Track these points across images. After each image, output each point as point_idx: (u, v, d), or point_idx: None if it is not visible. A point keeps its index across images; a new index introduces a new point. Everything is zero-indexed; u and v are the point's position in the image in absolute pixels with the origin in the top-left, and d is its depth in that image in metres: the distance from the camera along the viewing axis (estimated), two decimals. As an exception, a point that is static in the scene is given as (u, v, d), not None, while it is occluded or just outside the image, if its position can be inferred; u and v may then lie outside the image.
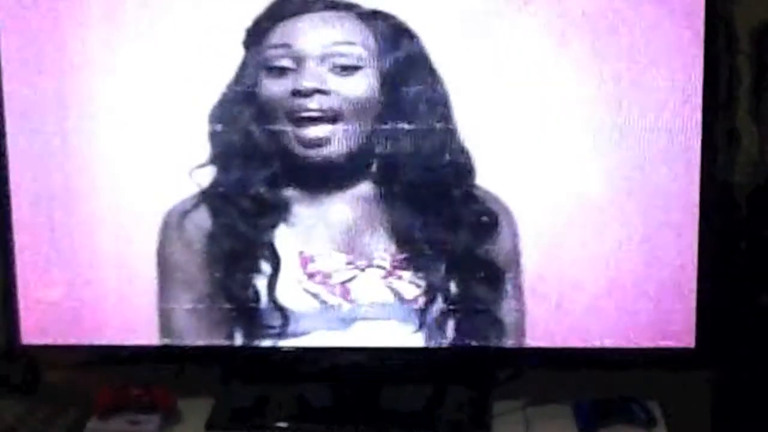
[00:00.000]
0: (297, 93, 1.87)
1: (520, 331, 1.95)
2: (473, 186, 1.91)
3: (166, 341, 1.99)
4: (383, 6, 1.87)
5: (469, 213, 1.92)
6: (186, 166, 1.93)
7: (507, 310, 1.95)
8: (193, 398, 2.06)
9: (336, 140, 1.88)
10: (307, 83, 1.86)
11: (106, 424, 1.99)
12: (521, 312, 1.94)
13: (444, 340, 1.96)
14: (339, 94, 1.87)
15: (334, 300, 1.94)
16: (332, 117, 1.87)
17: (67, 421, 2.06)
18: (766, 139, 2.01)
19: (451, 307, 1.95)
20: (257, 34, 1.88)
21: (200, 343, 1.99)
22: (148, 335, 1.99)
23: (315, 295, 1.94)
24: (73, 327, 2.00)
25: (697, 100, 1.86)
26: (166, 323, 1.98)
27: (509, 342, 1.95)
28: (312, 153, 1.89)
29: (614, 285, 1.93)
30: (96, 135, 1.94)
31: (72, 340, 2.01)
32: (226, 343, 1.98)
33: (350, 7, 1.87)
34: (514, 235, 1.91)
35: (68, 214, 1.96)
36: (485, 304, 1.95)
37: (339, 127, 1.88)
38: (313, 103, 1.87)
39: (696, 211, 1.90)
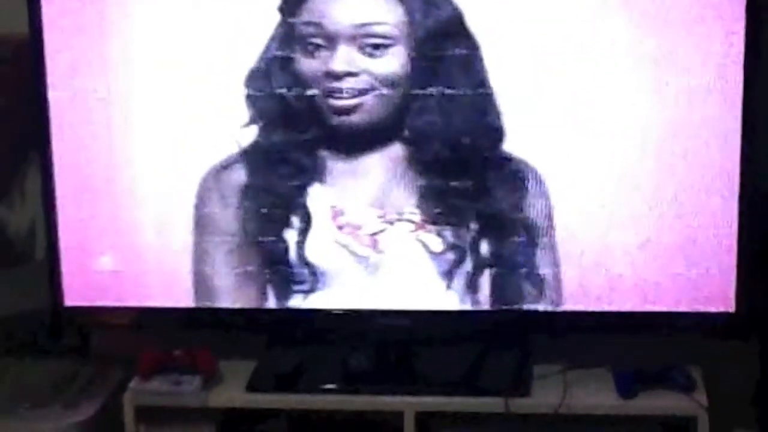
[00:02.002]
0: (329, 75, 1.90)
1: (558, 295, 1.95)
2: (504, 149, 1.91)
3: (202, 302, 2.02)
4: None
5: (500, 174, 1.92)
6: (223, 130, 1.95)
7: (542, 273, 1.95)
8: (235, 361, 2.08)
9: (366, 109, 1.91)
10: (339, 66, 1.89)
11: (148, 384, 2.02)
12: (557, 275, 1.94)
13: (479, 303, 1.97)
14: (370, 73, 1.90)
15: (363, 251, 1.97)
16: (363, 92, 1.90)
17: (112, 382, 2.10)
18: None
19: (484, 268, 1.96)
20: (292, 4, 1.90)
21: (232, 302, 2.02)
22: (186, 297, 2.03)
23: (344, 246, 1.97)
24: (116, 290, 2.04)
25: (739, 61, 1.84)
26: (201, 283, 2.02)
27: (547, 305, 1.95)
28: (343, 119, 1.92)
29: (652, 248, 1.92)
30: (134, 101, 1.97)
31: (115, 303, 2.05)
32: (263, 305, 2.01)
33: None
34: (546, 197, 1.92)
35: (109, 179, 2.00)
36: (519, 265, 1.95)
37: (369, 98, 1.91)
38: (345, 84, 1.90)
39: (737, 172, 1.87)
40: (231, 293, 2.02)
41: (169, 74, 1.95)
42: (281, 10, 1.90)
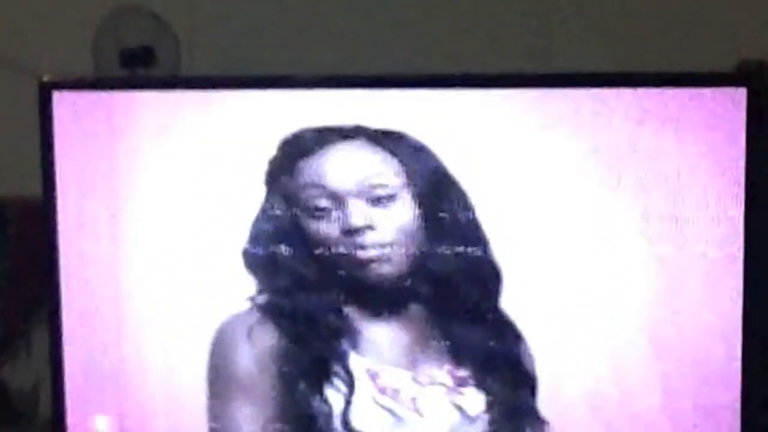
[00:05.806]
0: (347, 232, 1.86)
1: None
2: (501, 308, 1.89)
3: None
4: (394, 126, 1.86)
5: (503, 330, 1.89)
6: (237, 290, 1.89)
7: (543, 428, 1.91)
8: None
9: (388, 265, 1.86)
10: (356, 222, 1.85)
11: None
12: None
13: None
14: (386, 226, 1.86)
15: (407, 415, 1.91)
16: (385, 245, 1.86)
17: None
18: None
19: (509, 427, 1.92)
20: (277, 173, 1.88)
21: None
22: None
23: (389, 410, 1.91)
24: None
25: (739, 232, 1.82)
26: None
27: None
28: (366, 275, 1.87)
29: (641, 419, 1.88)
30: (142, 262, 1.91)
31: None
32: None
33: (361, 132, 1.86)
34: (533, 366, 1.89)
35: (116, 343, 1.93)
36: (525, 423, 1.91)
37: (390, 252, 1.86)
38: (365, 238, 1.86)
39: (738, 344, 1.83)
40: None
41: (177, 237, 1.90)
42: (267, 183, 1.87)
